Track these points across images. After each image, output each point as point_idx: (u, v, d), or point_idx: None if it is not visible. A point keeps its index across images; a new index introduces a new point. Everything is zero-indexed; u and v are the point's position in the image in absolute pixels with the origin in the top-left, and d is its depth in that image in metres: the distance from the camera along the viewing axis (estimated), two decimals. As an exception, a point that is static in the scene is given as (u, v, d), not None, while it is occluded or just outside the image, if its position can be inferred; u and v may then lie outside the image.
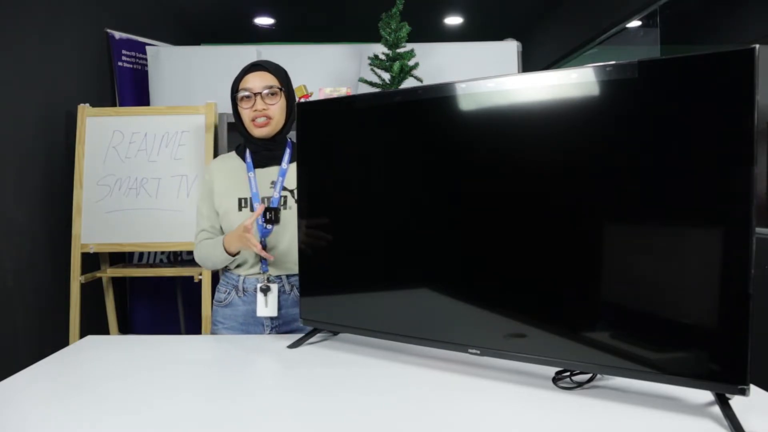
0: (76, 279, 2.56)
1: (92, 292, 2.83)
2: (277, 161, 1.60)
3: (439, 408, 1.01)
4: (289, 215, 1.55)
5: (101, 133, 2.65)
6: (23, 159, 2.42)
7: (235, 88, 1.58)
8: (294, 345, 1.39)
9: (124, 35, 3.23)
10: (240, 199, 1.57)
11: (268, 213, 1.50)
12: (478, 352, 1.15)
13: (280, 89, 1.56)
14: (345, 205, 1.36)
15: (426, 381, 1.15)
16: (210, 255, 1.56)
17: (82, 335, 1.75)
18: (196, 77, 2.97)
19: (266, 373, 1.24)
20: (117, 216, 2.61)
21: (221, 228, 1.62)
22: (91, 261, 2.77)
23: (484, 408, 1.01)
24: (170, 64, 3.01)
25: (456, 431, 0.92)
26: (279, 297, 1.56)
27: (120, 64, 3.21)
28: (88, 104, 2.68)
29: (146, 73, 3.13)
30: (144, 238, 2.59)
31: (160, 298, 3.15)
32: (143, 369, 1.24)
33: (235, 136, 2.69)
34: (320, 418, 0.98)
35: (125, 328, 3.13)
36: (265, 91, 1.54)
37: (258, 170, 1.59)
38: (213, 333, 1.62)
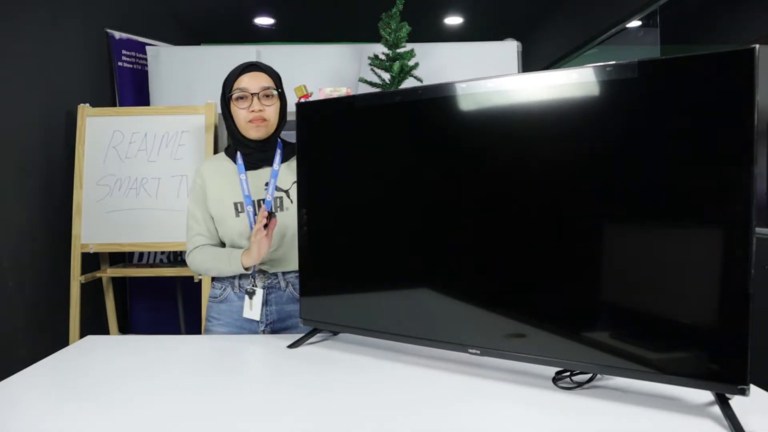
0: (76, 279, 2.56)
1: (92, 292, 2.84)
2: (269, 162, 1.58)
3: (439, 408, 1.01)
4: (286, 216, 1.54)
5: (101, 133, 2.66)
6: (23, 159, 2.42)
7: (228, 88, 1.53)
8: (294, 345, 1.39)
9: (124, 35, 3.23)
10: (236, 204, 1.55)
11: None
12: (478, 352, 1.15)
13: (276, 91, 1.55)
14: (345, 205, 1.36)
15: (426, 381, 1.14)
16: (218, 266, 1.52)
17: (82, 335, 1.75)
18: (196, 77, 2.97)
19: (266, 373, 1.24)
20: (117, 216, 2.61)
21: (217, 233, 1.59)
22: (91, 261, 2.77)
23: (484, 408, 1.01)
24: (170, 64, 3.01)
25: (456, 431, 0.92)
26: (272, 295, 1.55)
27: (120, 64, 3.21)
28: (88, 104, 2.69)
29: (146, 73, 3.13)
30: (144, 238, 2.59)
31: (160, 298, 3.16)
32: (143, 369, 1.24)
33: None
34: (320, 418, 0.98)
35: (125, 328, 3.13)
36: (262, 93, 1.51)
37: (250, 172, 1.57)
38: (207, 329, 1.60)
